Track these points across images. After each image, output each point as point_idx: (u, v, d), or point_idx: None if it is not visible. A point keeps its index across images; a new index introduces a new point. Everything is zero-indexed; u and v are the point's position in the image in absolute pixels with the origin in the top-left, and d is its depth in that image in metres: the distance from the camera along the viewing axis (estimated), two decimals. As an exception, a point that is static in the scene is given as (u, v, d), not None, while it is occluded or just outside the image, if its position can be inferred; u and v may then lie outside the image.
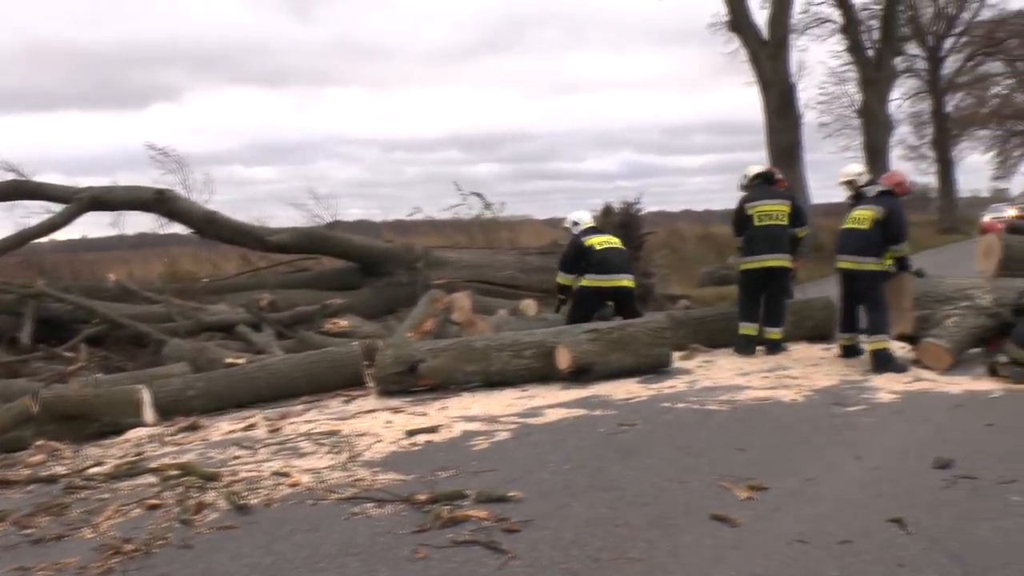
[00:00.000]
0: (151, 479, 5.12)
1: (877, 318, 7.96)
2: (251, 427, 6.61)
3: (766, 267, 8.90)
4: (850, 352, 8.41)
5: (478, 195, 18.18)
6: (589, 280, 9.18)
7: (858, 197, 8.44)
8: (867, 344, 8.05)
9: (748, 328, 8.96)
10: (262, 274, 13.61)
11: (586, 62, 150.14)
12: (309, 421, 6.68)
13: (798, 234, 9.16)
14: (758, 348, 8.91)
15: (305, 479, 4.96)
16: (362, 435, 6.05)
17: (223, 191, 55.32)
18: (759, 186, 9.25)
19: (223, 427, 6.69)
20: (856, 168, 9.03)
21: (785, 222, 8.95)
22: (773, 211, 8.94)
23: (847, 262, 8.16)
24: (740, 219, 9.12)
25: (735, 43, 26.03)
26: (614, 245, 9.43)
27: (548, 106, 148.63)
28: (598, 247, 9.24)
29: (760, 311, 9.00)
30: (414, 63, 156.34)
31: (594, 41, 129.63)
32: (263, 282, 12.53)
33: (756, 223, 8.91)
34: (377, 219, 27.10)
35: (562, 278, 9.47)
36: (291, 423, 6.64)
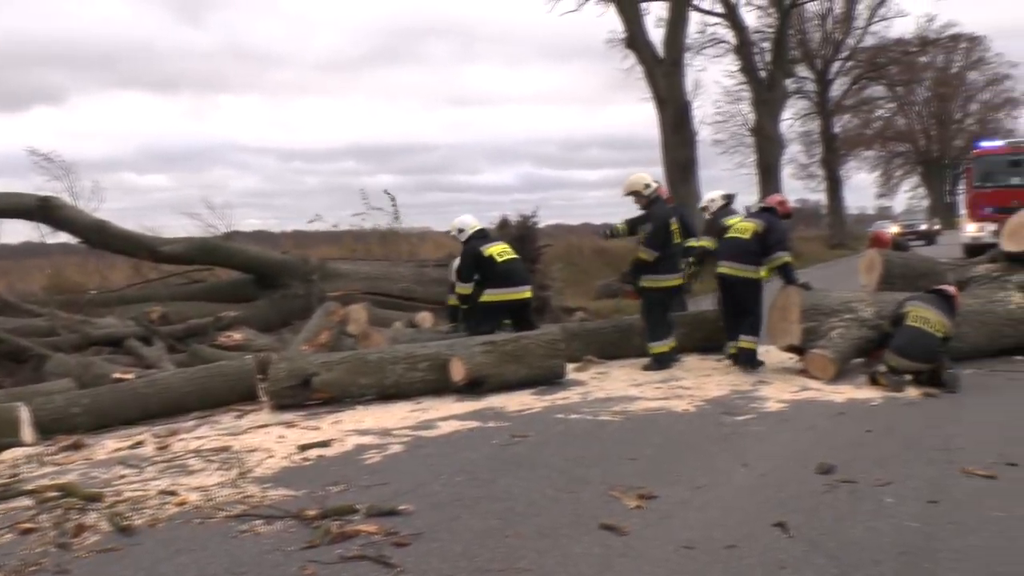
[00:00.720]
0: (26, 502, 4.88)
1: (752, 321, 8.51)
2: (138, 445, 6.39)
3: (678, 283, 9.11)
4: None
5: (389, 194, 18.09)
6: (495, 294, 8.97)
7: (714, 222, 9.69)
8: (739, 342, 8.51)
9: (667, 345, 8.82)
10: (153, 285, 13.17)
11: (482, 75, 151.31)
12: (199, 437, 6.50)
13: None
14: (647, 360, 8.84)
15: (193, 497, 4.83)
16: (253, 451, 5.92)
17: (113, 199, 53.52)
18: (660, 201, 9.07)
19: (109, 445, 6.44)
20: (711, 195, 10.28)
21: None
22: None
23: (726, 267, 8.58)
24: (667, 235, 8.77)
25: (631, 60, 26.62)
26: (513, 255, 9.27)
27: (445, 118, 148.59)
28: (499, 258, 9.04)
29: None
30: (309, 71, 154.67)
31: (490, 54, 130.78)
32: (154, 294, 12.18)
33: (676, 239, 8.94)
34: (276, 230, 26.76)
35: (463, 288, 9.18)
36: (180, 440, 6.45)
